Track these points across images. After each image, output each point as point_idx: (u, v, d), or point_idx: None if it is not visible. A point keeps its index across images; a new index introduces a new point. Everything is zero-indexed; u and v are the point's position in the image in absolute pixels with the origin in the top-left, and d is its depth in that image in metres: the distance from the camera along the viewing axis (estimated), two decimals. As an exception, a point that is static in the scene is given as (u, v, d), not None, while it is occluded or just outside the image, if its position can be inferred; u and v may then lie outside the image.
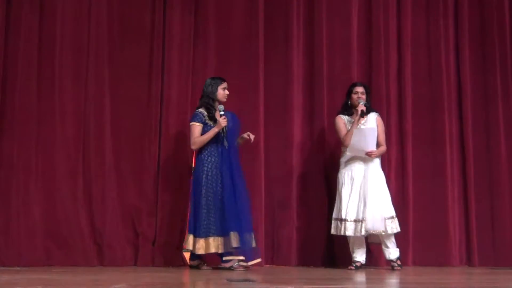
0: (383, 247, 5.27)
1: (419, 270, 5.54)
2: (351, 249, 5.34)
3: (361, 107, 5.29)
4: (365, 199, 5.18)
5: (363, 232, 5.13)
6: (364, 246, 5.33)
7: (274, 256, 5.79)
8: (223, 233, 5.02)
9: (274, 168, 5.90)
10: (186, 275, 4.74)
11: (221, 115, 5.13)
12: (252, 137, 5.27)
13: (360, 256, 5.29)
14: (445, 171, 6.05)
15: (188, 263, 5.22)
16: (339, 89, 5.84)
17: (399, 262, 5.22)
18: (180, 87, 5.73)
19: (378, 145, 5.34)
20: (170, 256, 5.30)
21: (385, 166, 5.80)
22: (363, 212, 5.15)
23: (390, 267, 5.25)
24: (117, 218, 5.57)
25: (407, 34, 6.23)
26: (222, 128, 5.13)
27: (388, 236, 5.21)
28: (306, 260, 5.73)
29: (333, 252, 5.71)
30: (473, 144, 6.14)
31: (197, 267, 5.18)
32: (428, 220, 5.99)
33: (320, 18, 6.09)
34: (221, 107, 5.18)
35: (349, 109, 5.45)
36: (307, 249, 5.77)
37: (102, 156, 5.61)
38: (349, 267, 5.26)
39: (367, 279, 4.59)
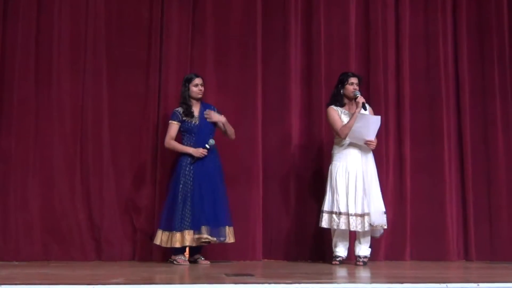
0: (356, 242, 5.23)
1: (416, 264, 5.54)
2: (334, 243, 5.26)
3: (361, 99, 5.18)
4: (366, 192, 5.12)
5: (366, 227, 5.09)
6: (348, 240, 5.27)
7: (272, 251, 5.80)
8: (196, 227, 5.06)
9: (272, 163, 5.90)
10: (185, 270, 4.74)
11: (204, 147, 5.17)
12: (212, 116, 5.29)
13: (343, 251, 5.24)
14: (443, 166, 6.05)
15: (187, 258, 5.22)
16: (337, 84, 5.83)
17: (365, 260, 5.18)
18: (178, 82, 5.67)
19: None
20: (168, 251, 5.29)
21: (383, 161, 5.83)
22: (367, 206, 5.10)
23: (354, 262, 5.22)
24: (115, 213, 5.57)
25: (405, 30, 6.22)
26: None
27: (365, 233, 5.17)
28: (304, 254, 5.73)
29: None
30: (471, 139, 6.13)
31: (195, 262, 5.19)
32: (426, 215, 5.99)
33: (318, 14, 6.08)
34: (212, 141, 5.21)
35: (341, 100, 5.34)
36: (305, 244, 5.76)
37: (100, 150, 5.61)
38: (334, 262, 5.19)
39: (364, 274, 4.59)
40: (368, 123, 5.16)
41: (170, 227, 5.10)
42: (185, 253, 5.22)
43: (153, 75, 5.75)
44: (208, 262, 5.19)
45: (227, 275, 4.17)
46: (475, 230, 6.01)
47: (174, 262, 5.12)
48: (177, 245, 5.06)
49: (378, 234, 5.31)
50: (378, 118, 5.24)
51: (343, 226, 5.11)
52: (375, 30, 6.15)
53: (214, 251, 5.34)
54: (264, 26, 6.00)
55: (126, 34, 5.80)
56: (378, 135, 5.53)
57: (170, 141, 5.27)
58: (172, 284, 3.79)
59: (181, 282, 3.99)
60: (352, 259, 5.33)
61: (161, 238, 5.13)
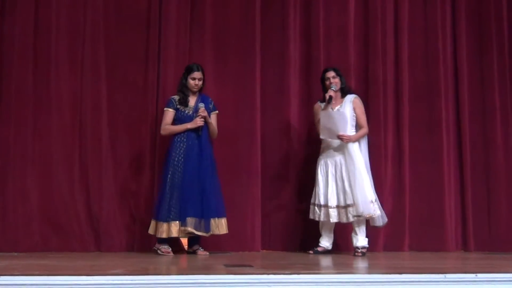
0: (353, 233, 5.27)
1: (415, 255, 5.56)
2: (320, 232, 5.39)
3: (330, 93, 5.27)
4: (350, 184, 5.15)
5: (350, 218, 5.14)
6: (332, 232, 5.37)
7: (271, 242, 5.81)
8: (182, 218, 5.06)
9: (270, 154, 5.90)
10: (184, 261, 4.75)
11: (198, 115, 5.16)
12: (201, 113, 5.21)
13: (326, 242, 5.34)
14: (442, 156, 6.06)
15: (186, 249, 5.23)
16: (336, 76, 5.83)
17: (364, 250, 5.20)
18: (177, 73, 5.67)
19: (358, 128, 5.34)
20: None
21: (381, 152, 5.84)
22: (349, 198, 5.13)
23: (353, 253, 5.23)
24: (114, 204, 5.57)
25: (404, 20, 6.20)
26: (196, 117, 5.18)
27: (359, 223, 5.20)
28: (303, 245, 5.73)
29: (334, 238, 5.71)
30: (470, 129, 6.14)
31: (194, 253, 5.20)
32: (424, 205, 6.00)
33: (317, 4, 6.06)
34: (201, 105, 5.20)
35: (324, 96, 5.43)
36: (304, 235, 5.77)
37: (99, 142, 5.61)
38: (309, 251, 5.33)
39: (362, 265, 4.60)
40: (333, 119, 5.21)
41: (158, 217, 5.12)
42: (181, 243, 5.19)
43: (152, 67, 5.74)
44: (207, 253, 5.20)
45: (226, 266, 4.18)
46: (474, 221, 6.02)
47: (158, 251, 5.13)
48: (164, 235, 5.06)
49: (379, 223, 5.30)
50: (341, 112, 5.26)
51: (322, 218, 5.25)
52: (374, 20, 6.13)
53: (213, 242, 5.34)
54: (263, 17, 5.98)
55: (124, 26, 5.77)
56: (376, 127, 5.59)
57: (166, 126, 5.26)
58: (170, 274, 3.80)
59: (180, 272, 3.99)
60: (350, 250, 5.34)
61: (154, 228, 5.15)
